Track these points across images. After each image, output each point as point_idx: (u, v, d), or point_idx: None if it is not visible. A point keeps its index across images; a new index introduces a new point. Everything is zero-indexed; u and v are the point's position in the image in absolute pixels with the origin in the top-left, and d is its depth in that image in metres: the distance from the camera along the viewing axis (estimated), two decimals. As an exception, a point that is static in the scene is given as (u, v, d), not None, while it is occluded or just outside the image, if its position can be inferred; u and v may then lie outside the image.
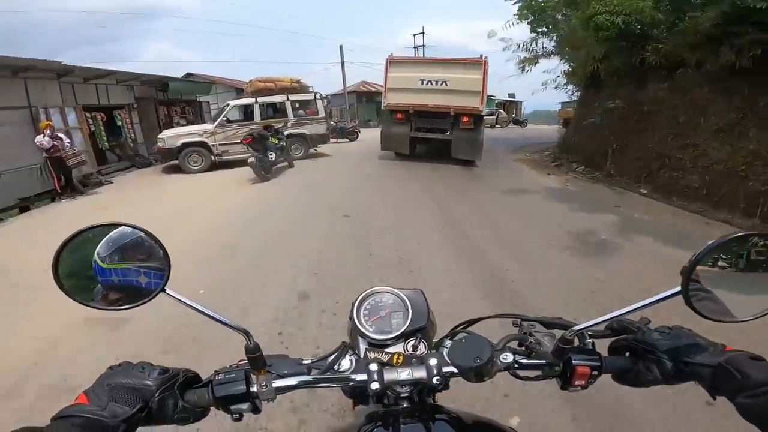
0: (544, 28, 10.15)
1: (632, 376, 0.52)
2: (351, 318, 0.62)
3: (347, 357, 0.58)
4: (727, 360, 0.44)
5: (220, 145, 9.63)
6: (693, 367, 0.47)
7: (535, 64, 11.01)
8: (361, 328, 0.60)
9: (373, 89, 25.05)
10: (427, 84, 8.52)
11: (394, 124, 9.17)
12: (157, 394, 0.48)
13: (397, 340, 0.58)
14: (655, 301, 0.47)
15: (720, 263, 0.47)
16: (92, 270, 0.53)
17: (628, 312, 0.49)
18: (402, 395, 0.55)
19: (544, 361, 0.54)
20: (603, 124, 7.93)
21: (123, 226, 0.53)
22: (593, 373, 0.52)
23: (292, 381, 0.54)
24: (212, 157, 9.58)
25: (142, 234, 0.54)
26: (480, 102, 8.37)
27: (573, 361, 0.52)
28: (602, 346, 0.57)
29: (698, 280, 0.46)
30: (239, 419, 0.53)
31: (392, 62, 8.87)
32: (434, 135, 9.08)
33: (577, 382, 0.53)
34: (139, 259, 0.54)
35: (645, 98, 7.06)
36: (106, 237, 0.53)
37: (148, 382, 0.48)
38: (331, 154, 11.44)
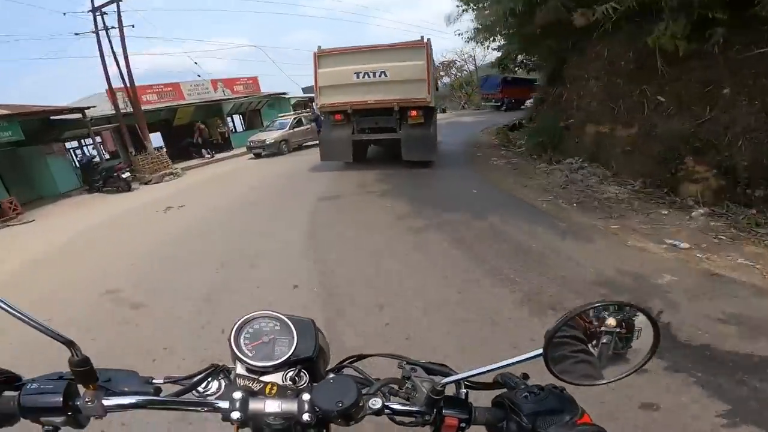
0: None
1: (497, 429, 0.53)
2: (229, 339, 0.56)
3: (217, 380, 0.55)
4: None
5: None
6: None
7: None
8: (237, 352, 0.54)
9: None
10: (363, 77, 7.39)
11: (332, 128, 8.04)
12: None
13: (276, 369, 0.54)
14: (519, 361, 0.50)
15: (586, 328, 0.51)
16: None
17: (494, 369, 0.52)
18: (275, 427, 0.52)
19: (416, 407, 0.53)
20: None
21: None
22: (461, 424, 0.53)
23: (127, 400, 0.51)
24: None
25: None
26: (427, 91, 7.31)
27: (443, 412, 0.53)
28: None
29: (563, 342, 0.50)
30: (53, 431, 0.50)
31: (321, 56, 7.69)
32: (380, 135, 7.98)
33: None
34: None
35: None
36: None
37: None
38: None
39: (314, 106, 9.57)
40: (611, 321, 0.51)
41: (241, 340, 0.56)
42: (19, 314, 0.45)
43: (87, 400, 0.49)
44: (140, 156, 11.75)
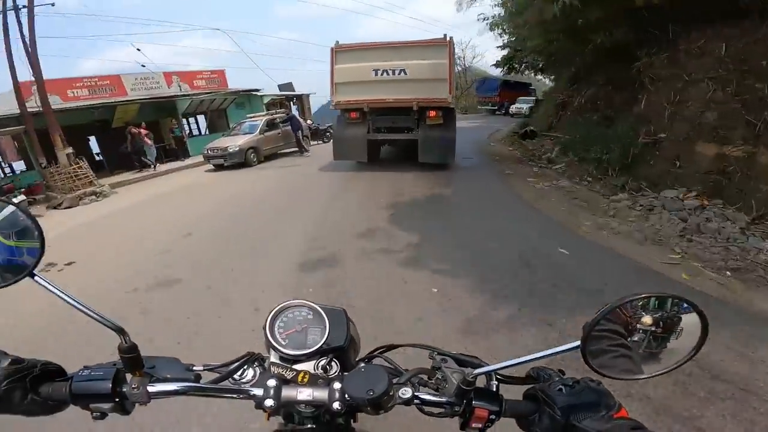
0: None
1: (529, 423, 0.52)
2: (264, 328, 0.58)
3: (253, 368, 0.56)
4: (608, 429, 0.45)
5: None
6: (578, 429, 0.47)
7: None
8: (272, 341, 0.57)
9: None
10: (382, 74, 7.09)
11: (347, 126, 7.66)
12: (4, 384, 0.47)
13: (309, 357, 0.56)
14: (555, 353, 0.48)
15: (626, 321, 0.48)
16: None
17: (528, 360, 0.49)
18: (305, 415, 0.54)
19: (445, 398, 0.53)
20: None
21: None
22: (491, 416, 0.52)
23: (170, 386, 0.51)
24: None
25: (19, 210, 0.51)
26: (449, 91, 6.98)
27: (473, 403, 0.52)
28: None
29: (601, 336, 0.48)
30: (100, 418, 0.51)
31: (339, 51, 7.36)
32: (397, 136, 7.66)
33: (474, 424, 0.52)
34: (14, 237, 0.50)
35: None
36: None
37: None
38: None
39: (292, 107, 9.06)
40: (652, 314, 0.48)
41: (276, 329, 0.58)
42: (77, 303, 0.49)
43: (133, 386, 0.50)
44: (51, 168, 8.71)
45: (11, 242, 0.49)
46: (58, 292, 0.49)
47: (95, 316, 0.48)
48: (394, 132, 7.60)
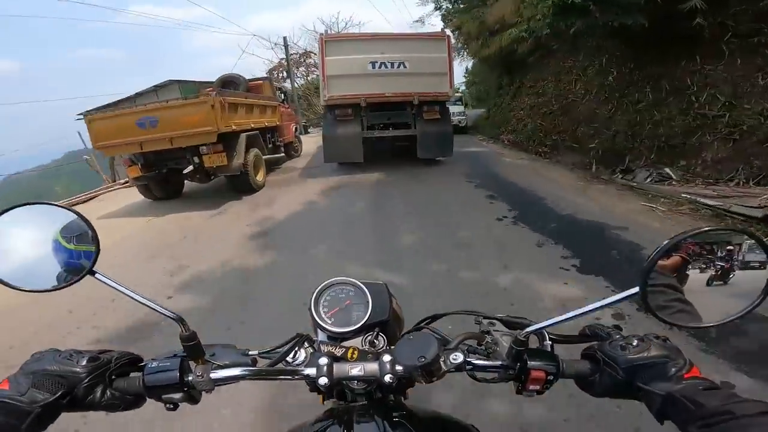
0: None
1: (589, 383, 0.50)
2: (309, 309, 0.59)
3: (303, 349, 0.56)
4: (679, 389, 0.42)
5: None
6: (645, 391, 0.44)
7: None
8: (319, 320, 0.58)
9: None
10: (380, 67, 6.59)
11: (339, 123, 6.92)
12: (85, 381, 0.47)
13: (356, 333, 0.57)
14: (612, 302, 0.45)
15: (684, 261, 0.43)
16: (44, 252, 0.53)
17: (586, 312, 0.46)
18: (357, 391, 0.54)
19: (498, 362, 0.51)
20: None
21: (54, 207, 0.54)
22: (549, 377, 0.49)
23: (232, 372, 0.51)
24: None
25: (75, 216, 0.54)
26: (449, 86, 6.89)
27: (528, 364, 0.49)
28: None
29: (663, 281, 0.44)
30: (173, 409, 0.51)
31: (329, 41, 6.80)
32: (394, 132, 7.19)
33: (531, 387, 0.50)
34: (74, 241, 0.54)
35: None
36: (34, 220, 0.53)
37: (77, 369, 0.47)
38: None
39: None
40: (712, 253, 0.43)
41: (321, 308, 0.59)
42: (136, 296, 0.50)
43: (198, 374, 0.50)
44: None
45: (72, 246, 0.54)
46: (118, 287, 0.50)
47: (155, 307, 0.50)
48: (390, 128, 7.19)
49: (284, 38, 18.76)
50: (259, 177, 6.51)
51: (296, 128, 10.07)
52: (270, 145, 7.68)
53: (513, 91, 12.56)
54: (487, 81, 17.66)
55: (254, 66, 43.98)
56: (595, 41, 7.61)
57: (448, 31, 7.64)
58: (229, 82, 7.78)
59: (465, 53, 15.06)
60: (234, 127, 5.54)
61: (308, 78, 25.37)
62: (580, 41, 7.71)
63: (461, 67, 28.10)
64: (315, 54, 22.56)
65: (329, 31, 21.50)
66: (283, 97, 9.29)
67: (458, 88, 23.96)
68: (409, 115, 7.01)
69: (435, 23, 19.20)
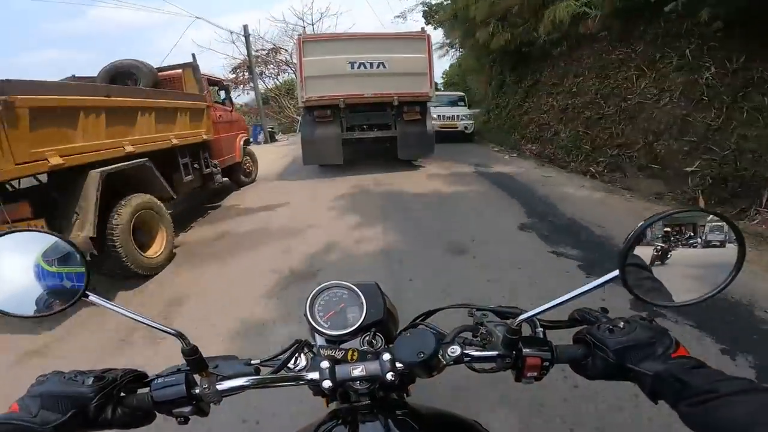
0: None
1: (582, 367, 0.50)
2: (305, 315, 0.59)
3: (303, 355, 0.56)
4: (667, 368, 0.43)
5: None
6: (635, 372, 0.45)
7: None
8: (315, 325, 0.58)
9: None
10: (359, 67, 6.48)
11: (318, 124, 6.77)
12: (95, 401, 0.47)
13: (353, 335, 0.57)
14: (594, 287, 0.47)
15: (659, 243, 0.46)
16: (34, 276, 0.53)
17: (570, 299, 0.48)
18: (360, 392, 0.53)
19: (495, 352, 0.52)
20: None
21: (39, 233, 0.58)
22: (544, 363, 0.50)
23: (237, 382, 0.52)
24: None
25: (59, 239, 0.54)
26: (429, 86, 6.73)
27: (523, 352, 0.51)
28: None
29: (638, 263, 0.46)
30: (184, 423, 0.52)
31: (307, 41, 6.74)
32: (374, 134, 7.05)
33: (529, 374, 0.51)
34: (62, 265, 0.54)
35: None
36: (37, 244, 0.54)
37: (84, 389, 0.47)
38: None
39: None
40: (684, 235, 0.46)
41: (316, 313, 0.59)
42: (135, 315, 0.51)
43: (204, 387, 0.50)
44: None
45: (54, 269, 0.53)
46: (114, 308, 0.51)
47: (154, 324, 0.51)
48: (371, 130, 7.05)
49: (244, 27, 15.50)
50: (154, 251, 3.43)
51: (246, 140, 7.04)
52: (190, 176, 4.69)
53: (524, 89, 10.15)
54: (479, 79, 15.12)
55: (216, 64, 39.31)
56: (678, 26, 5.26)
57: (428, 30, 7.60)
58: (122, 74, 4.84)
59: (454, 49, 13.65)
60: (61, 161, 2.60)
61: (278, 77, 22.45)
62: (644, 27, 5.90)
63: (443, 65, 25.68)
64: (285, 50, 20.22)
65: (303, 23, 21.08)
66: (222, 97, 6.43)
67: (443, 86, 21.20)
68: (389, 115, 6.88)
69: (417, 19, 18.46)
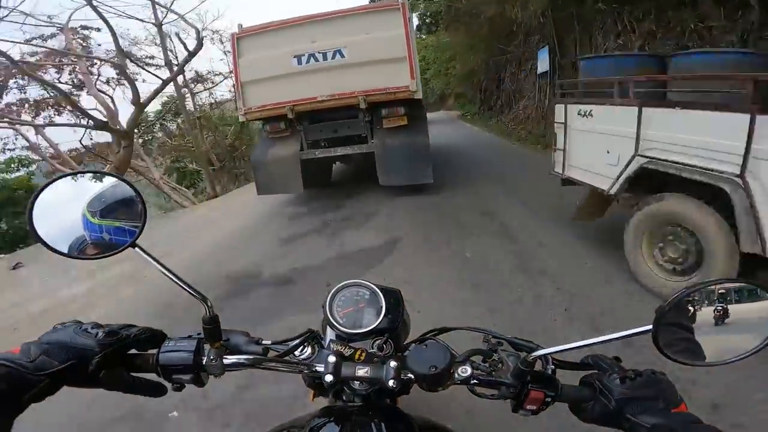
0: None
1: (581, 409, 0.52)
2: (323, 306, 0.60)
3: (312, 345, 0.57)
4: (665, 423, 0.44)
5: None
6: (632, 423, 0.46)
7: None
8: (331, 319, 0.59)
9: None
10: (308, 62, 4.72)
11: (270, 143, 5.24)
12: (98, 355, 0.46)
13: (365, 336, 0.58)
14: (625, 336, 0.46)
15: (698, 306, 0.46)
16: (79, 222, 0.54)
17: (596, 343, 0.47)
18: (358, 392, 0.56)
19: (502, 380, 0.53)
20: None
21: (108, 176, 0.56)
22: (546, 399, 0.51)
23: (244, 358, 0.52)
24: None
25: (126, 186, 0.55)
26: (410, 75, 4.60)
27: (529, 386, 0.51)
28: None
29: (678, 322, 0.46)
30: (179, 389, 0.52)
31: (242, 38, 4.93)
32: (342, 150, 5.10)
33: (528, 406, 0.52)
34: (121, 213, 0.55)
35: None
36: (93, 188, 0.55)
37: (91, 342, 0.46)
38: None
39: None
40: (723, 301, 0.45)
41: (335, 307, 0.60)
42: (170, 273, 0.52)
43: (211, 358, 0.51)
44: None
45: (97, 221, 0.54)
46: (155, 263, 0.52)
47: (185, 285, 0.52)
48: (338, 145, 5.21)
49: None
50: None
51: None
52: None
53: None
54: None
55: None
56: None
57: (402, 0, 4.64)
58: None
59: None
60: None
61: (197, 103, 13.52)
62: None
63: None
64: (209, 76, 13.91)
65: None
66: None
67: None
68: (362, 124, 4.98)
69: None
